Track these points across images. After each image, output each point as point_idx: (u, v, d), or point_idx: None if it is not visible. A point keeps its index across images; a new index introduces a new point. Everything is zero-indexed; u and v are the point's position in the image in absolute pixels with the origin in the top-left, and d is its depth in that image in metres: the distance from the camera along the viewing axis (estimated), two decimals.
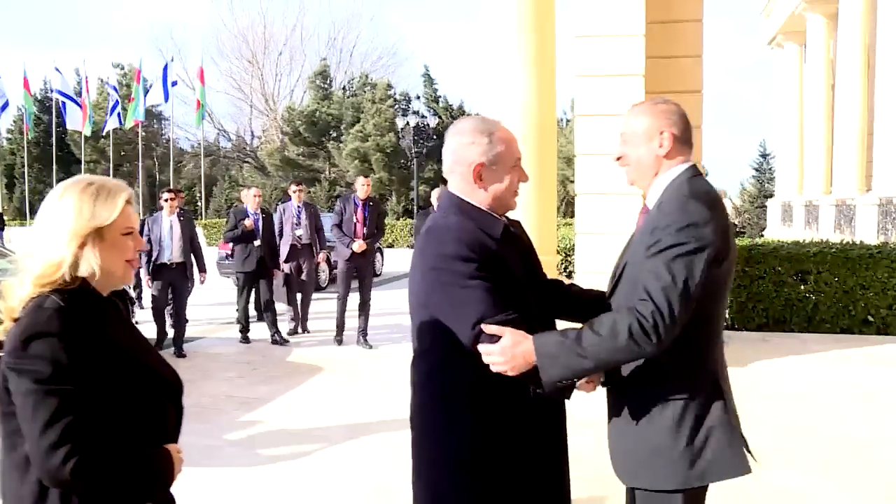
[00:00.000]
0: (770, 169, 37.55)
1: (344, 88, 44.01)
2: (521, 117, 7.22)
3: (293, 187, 10.33)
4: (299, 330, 10.10)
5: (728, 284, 2.26)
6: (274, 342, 9.25)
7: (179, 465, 1.92)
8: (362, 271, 9.17)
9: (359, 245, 8.95)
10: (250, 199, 9.64)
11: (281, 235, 9.98)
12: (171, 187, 9.87)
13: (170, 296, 8.70)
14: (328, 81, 43.14)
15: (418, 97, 41.46)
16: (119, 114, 34.31)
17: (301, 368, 7.98)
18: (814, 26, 22.30)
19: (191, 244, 8.75)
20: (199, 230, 9.97)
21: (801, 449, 5.27)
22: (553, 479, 2.32)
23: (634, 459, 2.25)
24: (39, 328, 1.69)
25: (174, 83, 33.48)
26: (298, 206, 10.19)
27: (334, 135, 40.68)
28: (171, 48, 51.42)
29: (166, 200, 8.62)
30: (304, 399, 6.81)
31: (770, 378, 7.28)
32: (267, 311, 9.45)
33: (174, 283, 8.62)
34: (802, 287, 9.14)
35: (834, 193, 20.55)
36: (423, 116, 40.87)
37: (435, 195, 9.82)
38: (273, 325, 9.37)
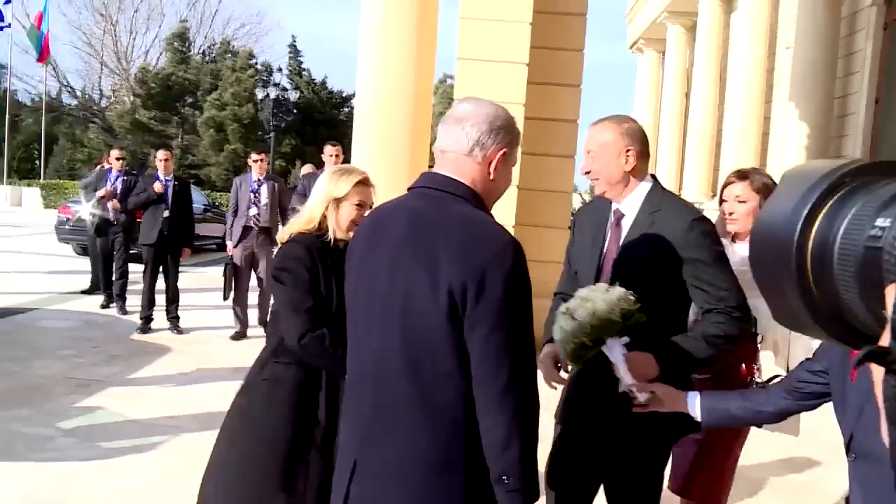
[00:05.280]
0: None
1: (203, 53, 42.18)
2: (397, 100, 6.85)
3: (253, 156, 8.35)
4: (247, 334, 8.24)
5: None
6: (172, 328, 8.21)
7: None
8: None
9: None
10: (160, 163, 8.30)
11: (235, 214, 8.29)
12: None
13: None
14: (187, 45, 41.06)
15: (280, 69, 40.36)
16: None
17: (148, 348, 7.38)
18: (673, 36, 23.16)
19: None
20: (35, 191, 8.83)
21: None
22: None
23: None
24: (292, 253, 2.70)
25: (8, 25, 30.78)
26: (258, 180, 8.29)
27: (190, 101, 38.89)
28: None
29: None
30: (151, 383, 6.26)
31: None
32: (172, 303, 8.22)
33: None
34: None
35: (683, 197, 21.45)
36: (284, 89, 39.80)
37: (304, 171, 9.37)
38: (174, 317, 8.23)
